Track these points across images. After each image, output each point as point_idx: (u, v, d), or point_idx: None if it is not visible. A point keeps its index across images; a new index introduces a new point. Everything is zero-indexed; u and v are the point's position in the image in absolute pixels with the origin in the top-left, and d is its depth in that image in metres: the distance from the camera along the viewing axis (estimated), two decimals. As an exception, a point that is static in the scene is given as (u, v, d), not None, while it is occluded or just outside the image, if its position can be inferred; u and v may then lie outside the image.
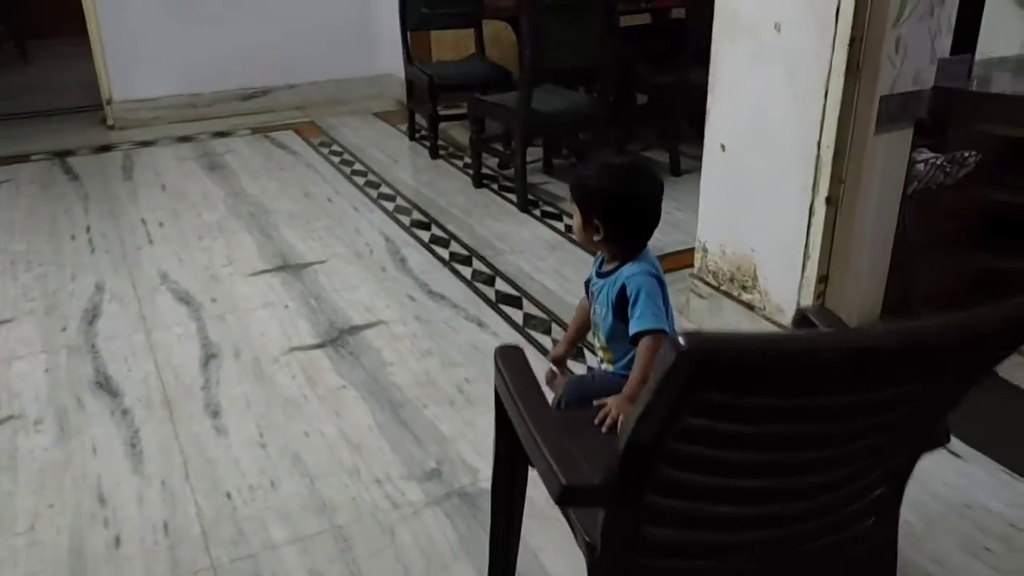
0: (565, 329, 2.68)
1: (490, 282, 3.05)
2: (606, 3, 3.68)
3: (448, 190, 4.02)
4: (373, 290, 2.99)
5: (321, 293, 2.98)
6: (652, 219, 1.59)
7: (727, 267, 2.56)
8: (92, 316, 2.84)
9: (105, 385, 2.43)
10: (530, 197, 3.81)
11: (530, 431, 1.20)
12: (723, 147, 2.49)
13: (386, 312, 2.83)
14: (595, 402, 1.55)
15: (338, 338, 2.67)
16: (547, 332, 2.69)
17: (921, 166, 2.40)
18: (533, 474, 1.29)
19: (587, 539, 1.20)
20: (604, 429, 1.48)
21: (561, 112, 3.84)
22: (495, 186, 4.06)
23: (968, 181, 2.52)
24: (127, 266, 3.22)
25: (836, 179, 2.19)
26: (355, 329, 2.72)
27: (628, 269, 1.59)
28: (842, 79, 2.08)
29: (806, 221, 2.26)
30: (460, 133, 4.72)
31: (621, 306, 1.59)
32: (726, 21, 2.40)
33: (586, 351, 1.85)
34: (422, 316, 2.80)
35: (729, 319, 2.58)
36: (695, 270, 2.72)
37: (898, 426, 1.04)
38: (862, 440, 1.02)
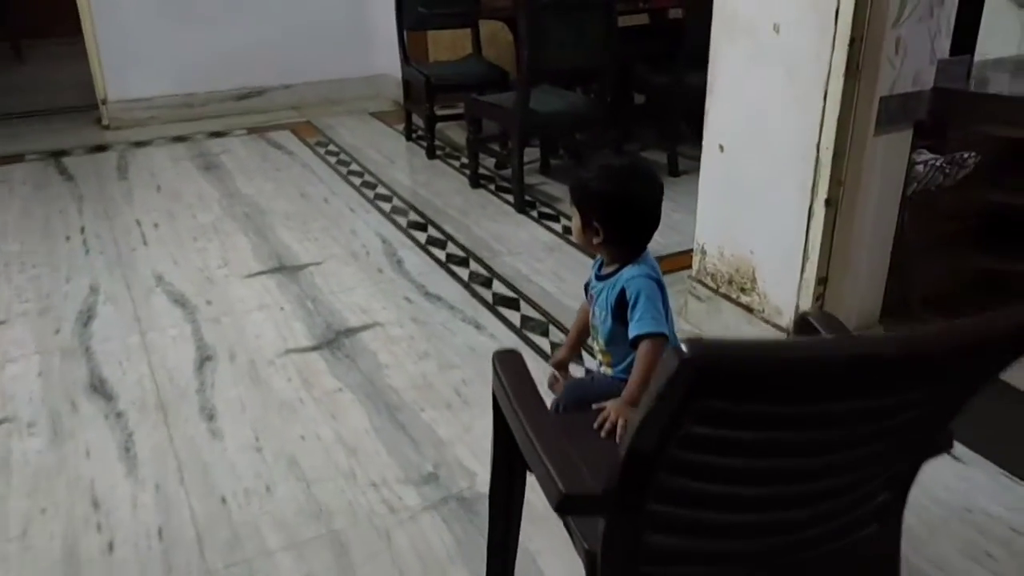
0: (563, 331, 2.67)
1: (487, 284, 3.03)
2: (604, 3, 3.67)
3: (445, 191, 4.00)
4: (369, 292, 2.98)
5: (317, 295, 2.96)
6: (652, 221, 1.57)
7: (726, 269, 2.55)
8: (86, 318, 2.82)
9: (99, 388, 2.41)
10: (527, 198, 3.80)
11: (529, 437, 1.18)
12: (722, 148, 2.48)
13: (382, 314, 2.81)
14: (594, 406, 1.54)
15: (334, 340, 2.65)
16: (545, 334, 2.67)
17: (920, 167, 2.39)
18: (532, 478, 1.28)
19: (586, 546, 1.18)
20: (603, 433, 1.47)
21: (558, 113, 3.83)
22: (492, 187, 4.04)
23: (967, 182, 2.51)
24: (122, 267, 3.20)
25: (835, 181, 2.17)
26: (351, 331, 2.70)
27: (628, 272, 1.57)
28: (842, 80, 2.07)
29: (805, 223, 2.24)
30: (457, 133, 4.70)
31: (620, 309, 1.58)
32: (725, 21, 2.39)
33: (585, 353, 1.84)
34: (419, 318, 2.79)
35: (728, 321, 2.56)
36: (693, 272, 2.70)
37: (901, 433, 1.02)
38: (864, 447, 1.01)
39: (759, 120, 2.32)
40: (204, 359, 2.55)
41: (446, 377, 2.44)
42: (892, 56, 2.11)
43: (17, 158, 4.56)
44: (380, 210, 3.76)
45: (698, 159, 2.64)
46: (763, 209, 2.38)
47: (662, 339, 1.54)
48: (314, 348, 2.60)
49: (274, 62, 5.38)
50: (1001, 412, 2.17)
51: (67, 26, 5.10)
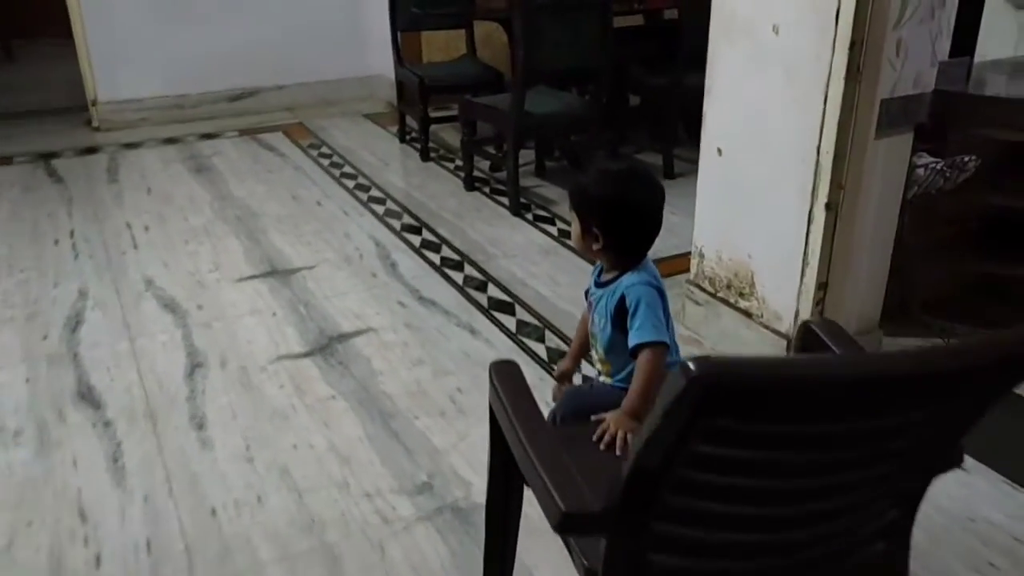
0: (559, 336, 2.64)
1: (482, 288, 3.00)
2: (600, 4, 3.63)
3: (439, 193, 3.96)
4: (363, 296, 2.94)
5: (310, 299, 2.92)
6: (653, 227, 1.54)
7: (724, 273, 2.52)
8: (75, 323, 2.77)
9: (87, 396, 2.37)
10: (522, 200, 3.76)
11: (527, 452, 1.15)
12: (720, 151, 2.45)
13: (376, 319, 2.77)
14: (593, 417, 1.50)
15: (327, 346, 2.61)
16: (540, 340, 2.64)
17: (921, 171, 2.36)
18: (529, 490, 1.25)
19: (586, 564, 1.15)
20: (603, 446, 1.44)
21: (554, 114, 3.79)
22: (487, 189, 4.01)
23: (967, 186, 2.49)
24: (111, 272, 3.15)
25: (836, 184, 2.14)
26: (344, 337, 2.66)
27: (627, 279, 1.54)
28: (842, 82, 2.04)
29: (805, 227, 2.21)
30: (451, 135, 4.66)
31: (620, 317, 1.55)
32: (723, 22, 2.36)
33: (584, 361, 1.81)
34: (413, 323, 2.75)
35: (726, 326, 2.53)
36: (691, 276, 2.67)
37: (912, 451, 0.99)
38: (874, 465, 0.98)
39: (758, 123, 2.29)
40: (194, 366, 2.50)
41: (440, 384, 2.40)
42: (893, 58, 2.08)
43: (6, 160, 4.50)
44: (374, 213, 3.72)
45: (694, 161, 2.61)
46: (762, 213, 2.34)
47: (662, 348, 1.51)
48: (307, 354, 2.56)
49: (267, 63, 5.33)
50: (1002, 419, 2.15)
51: (59, 26, 5.05)
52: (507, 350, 2.58)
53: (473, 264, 3.19)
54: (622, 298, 1.54)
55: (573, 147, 4.28)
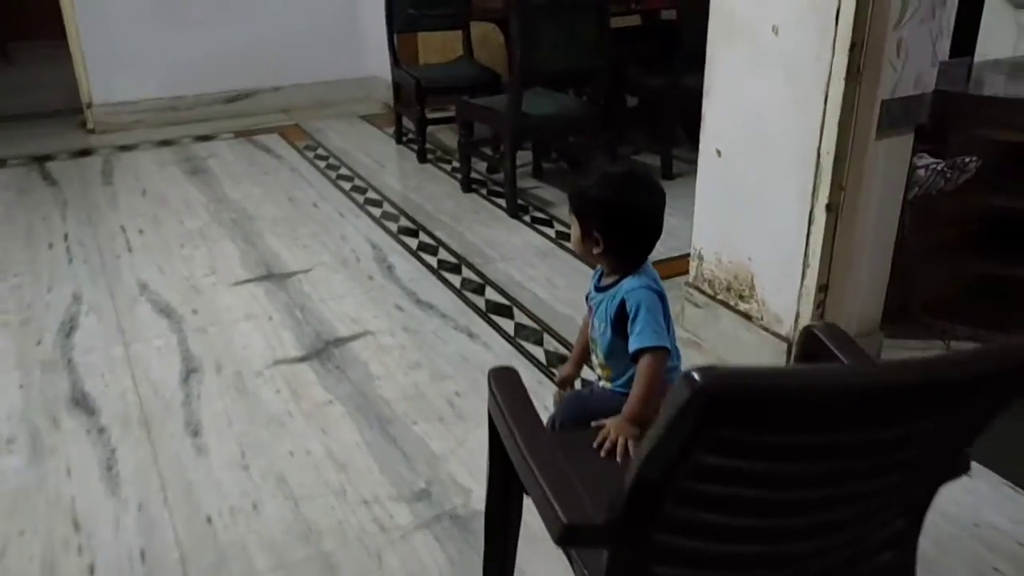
0: (557, 339, 2.62)
1: (480, 291, 2.97)
2: (597, 4, 3.61)
3: (436, 195, 3.94)
4: (360, 300, 2.91)
5: (306, 303, 2.89)
6: (654, 231, 1.52)
7: (723, 276, 2.50)
8: (69, 328, 2.75)
9: (81, 402, 2.34)
10: (520, 202, 3.74)
11: (527, 461, 1.12)
12: (719, 152, 2.43)
13: (373, 323, 2.75)
14: (593, 423, 1.48)
15: (324, 350, 2.58)
16: (539, 343, 2.61)
17: (922, 172, 2.35)
18: (529, 497, 1.23)
19: (587, 573, 1.13)
20: (603, 453, 1.41)
21: (551, 115, 3.77)
22: (484, 191, 3.98)
23: (968, 187, 2.47)
24: (105, 276, 3.12)
25: (836, 186, 2.12)
26: (341, 341, 2.64)
27: (628, 283, 1.52)
28: (843, 83, 2.02)
29: (805, 229, 2.19)
30: (448, 137, 4.64)
31: (620, 322, 1.52)
32: (722, 23, 2.34)
33: (585, 365, 1.79)
34: (410, 326, 2.72)
35: (726, 329, 2.51)
36: (690, 278, 2.65)
37: (918, 460, 0.97)
38: (881, 476, 0.95)
39: (758, 124, 2.27)
40: (190, 371, 2.48)
41: (438, 388, 2.38)
42: (893, 58, 2.06)
43: (0, 163, 4.47)
44: (370, 215, 3.70)
45: (692, 162, 2.59)
46: (762, 215, 2.32)
47: (663, 353, 1.49)
48: (303, 359, 2.54)
49: (262, 64, 5.31)
50: (1006, 423, 2.13)
51: (55, 28, 5.02)
52: (505, 353, 2.56)
53: (471, 267, 3.16)
54: (622, 303, 1.52)
55: (571, 148, 4.26)
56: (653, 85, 4.14)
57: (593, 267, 1.65)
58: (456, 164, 4.22)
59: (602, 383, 1.64)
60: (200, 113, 5.22)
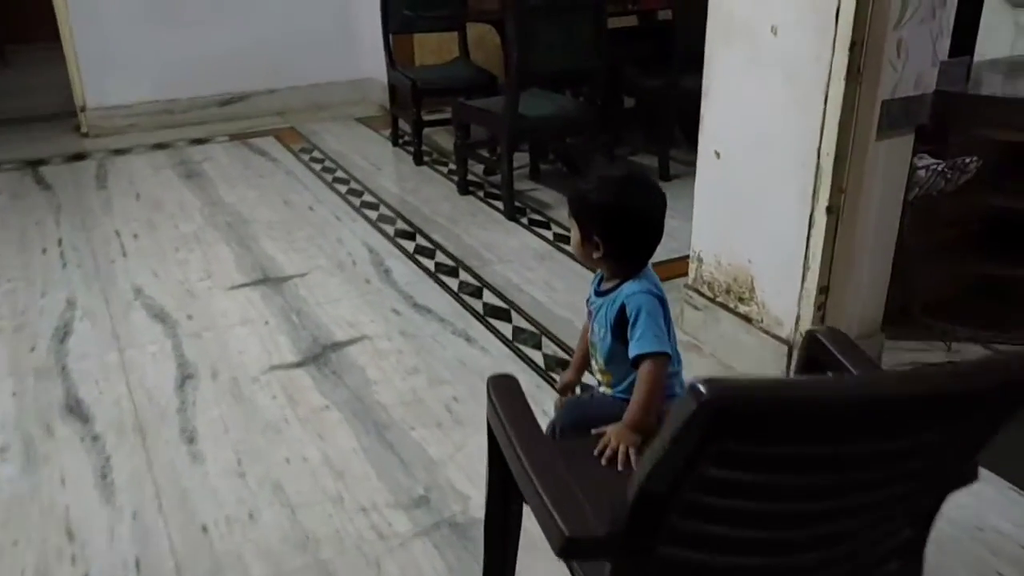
0: (556, 343, 2.60)
1: (477, 294, 2.95)
2: (594, 5, 3.59)
3: (433, 198, 3.92)
4: (356, 304, 2.89)
5: (302, 307, 2.87)
6: (655, 235, 1.50)
7: (723, 278, 2.48)
8: (63, 334, 2.72)
9: (75, 409, 2.32)
10: (517, 204, 3.72)
11: (526, 471, 1.11)
12: (718, 154, 2.41)
13: (370, 327, 2.73)
14: (594, 431, 1.46)
15: (320, 355, 2.56)
16: (537, 347, 2.59)
17: (922, 172, 2.33)
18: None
19: (589, 585, 1.11)
20: (604, 461, 1.40)
21: (548, 117, 3.75)
22: (481, 193, 3.96)
23: (968, 187, 2.45)
24: (100, 281, 3.09)
25: (837, 187, 2.11)
26: (338, 345, 2.61)
27: (628, 288, 1.50)
28: (843, 84, 2.00)
29: (806, 231, 2.18)
30: (444, 139, 4.62)
31: (620, 327, 1.51)
32: (720, 23, 2.32)
33: (587, 370, 1.78)
34: (407, 331, 2.70)
35: (725, 331, 2.49)
36: (689, 280, 2.64)
37: (925, 470, 0.95)
38: (887, 487, 0.94)
39: (757, 125, 2.25)
40: (185, 377, 2.45)
41: (436, 393, 2.36)
42: (894, 59, 2.04)
43: (-7, 167, 4.45)
44: (367, 218, 3.68)
45: (689, 163, 2.58)
46: (761, 217, 2.31)
47: (664, 358, 1.47)
48: (299, 364, 2.51)
49: (257, 67, 5.28)
50: (1011, 426, 2.11)
51: (49, 31, 4.99)
52: (503, 357, 2.54)
53: (468, 270, 3.14)
54: (622, 307, 1.50)
55: (568, 150, 4.24)
56: (650, 86, 4.12)
57: (593, 271, 1.63)
58: (453, 166, 4.19)
59: (602, 389, 1.62)
60: (195, 116, 5.19)
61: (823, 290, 2.21)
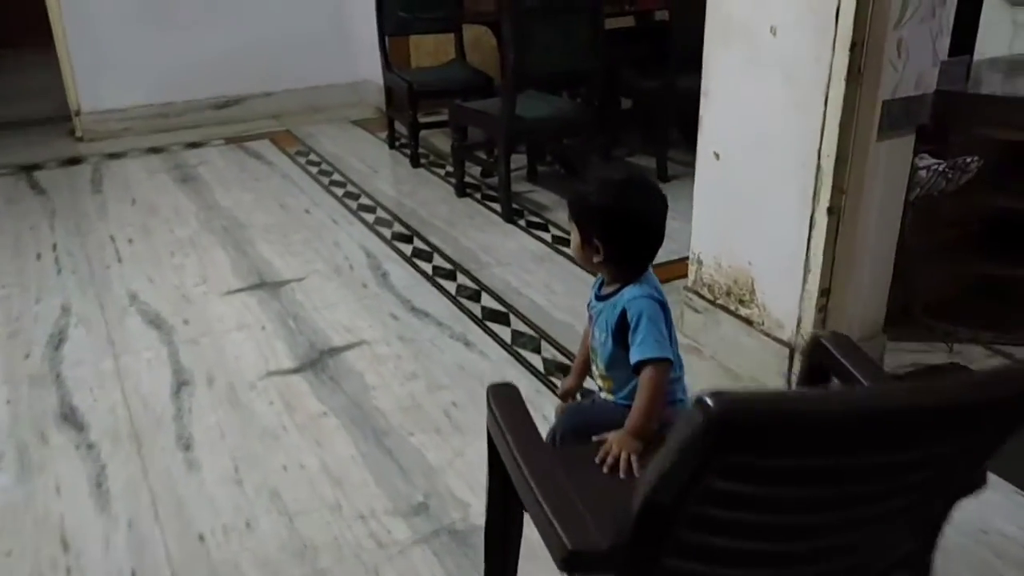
0: (555, 347, 2.58)
1: (476, 298, 2.93)
2: (591, 5, 3.58)
3: (430, 200, 3.90)
4: (354, 308, 2.87)
5: (299, 312, 2.85)
6: (656, 239, 1.48)
7: (723, 280, 2.46)
8: (58, 341, 2.70)
9: (70, 417, 2.29)
10: (515, 206, 3.70)
11: (527, 482, 1.09)
12: (717, 156, 2.39)
13: (368, 332, 2.70)
14: (595, 438, 1.44)
15: (318, 361, 2.54)
16: (536, 351, 2.57)
17: (923, 173, 2.31)
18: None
19: (592, 597, 1.09)
20: (606, 469, 1.37)
21: (545, 118, 3.73)
22: (478, 195, 3.94)
23: (970, 187, 2.44)
24: (95, 287, 3.07)
25: (838, 188, 2.09)
26: (335, 351, 2.59)
27: (629, 292, 1.48)
28: (843, 84, 1.98)
29: (807, 232, 2.16)
30: (441, 141, 4.60)
31: (621, 332, 1.48)
32: (718, 24, 2.30)
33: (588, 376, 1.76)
34: (405, 335, 2.68)
35: (726, 334, 2.48)
36: (689, 283, 2.62)
37: (934, 481, 0.94)
38: (897, 498, 0.92)
39: (757, 126, 2.23)
40: (181, 384, 2.43)
41: (435, 398, 2.34)
42: (894, 58, 2.03)
43: (-13, 172, 4.42)
44: (363, 221, 3.65)
45: (687, 164, 2.56)
46: (762, 219, 2.29)
47: (666, 364, 1.45)
48: (297, 370, 2.49)
49: (253, 70, 5.26)
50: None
51: (42, 35, 4.96)
52: (502, 362, 2.52)
53: (466, 273, 3.12)
54: (623, 312, 1.48)
55: (565, 151, 4.22)
56: (647, 87, 4.10)
57: (593, 275, 1.61)
58: (450, 168, 4.17)
59: (603, 395, 1.60)
60: (190, 119, 5.17)
61: (824, 292, 2.19)
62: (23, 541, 1.85)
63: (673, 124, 4.17)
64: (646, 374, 1.44)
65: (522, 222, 3.61)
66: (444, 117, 4.22)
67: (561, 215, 3.61)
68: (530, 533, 1.39)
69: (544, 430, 1.48)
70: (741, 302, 2.42)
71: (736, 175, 2.35)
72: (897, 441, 0.80)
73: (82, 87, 4.89)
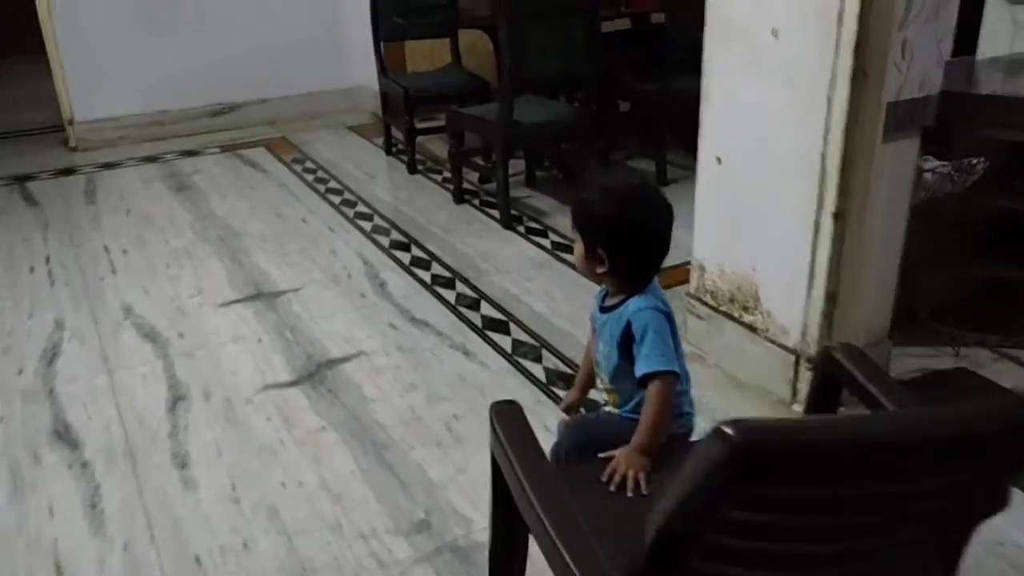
0: (556, 356, 2.54)
1: (475, 306, 2.89)
2: (587, 9, 3.54)
3: (428, 207, 3.86)
4: (352, 319, 2.82)
5: (296, 323, 2.80)
6: (661, 249, 1.44)
7: (726, 287, 2.43)
8: (51, 356, 2.65)
9: (64, 435, 2.25)
10: (513, 212, 3.66)
11: (534, 509, 1.04)
12: (719, 160, 2.35)
13: (366, 343, 2.66)
14: (601, 455, 1.40)
15: (316, 373, 2.50)
16: (537, 360, 2.53)
17: (929, 175, 2.28)
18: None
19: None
20: (613, 487, 1.34)
21: (543, 123, 3.69)
22: (476, 202, 3.90)
23: (975, 189, 2.40)
24: (89, 300, 3.02)
25: (843, 192, 2.05)
26: (333, 363, 2.55)
27: (634, 304, 1.44)
28: (848, 87, 1.95)
29: (811, 237, 2.12)
30: (438, 146, 4.56)
31: (626, 344, 1.45)
32: (718, 27, 2.27)
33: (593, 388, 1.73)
34: (405, 346, 2.64)
35: (730, 341, 2.44)
36: (692, 289, 2.58)
37: (956, 506, 0.90)
38: (918, 525, 0.88)
39: (758, 130, 2.20)
40: (176, 399, 2.39)
41: (436, 410, 2.29)
42: (898, 60, 1.99)
43: (-20, 184, 4.37)
44: (361, 229, 3.61)
45: (686, 167, 2.52)
46: (765, 224, 2.25)
47: (672, 378, 1.42)
48: (294, 383, 2.45)
49: (248, 77, 5.21)
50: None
51: (35, 43, 4.91)
52: (503, 371, 2.48)
53: (465, 281, 3.08)
54: (628, 324, 1.44)
55: (564, 156, 4.18)
56: (644, 90, 4.06)
57: (597, 283, 1.57)
58: (447, 174, 4.13)
59: (608, 408, 1.56)
60: (185, 128, 5.13)
61: (831, 297, 2.16)
62: (15, 565, 1.81)
63: (670, 127, 4.13)
64: (653, 388, 1.40)
65: (521, 228, 3.57)
66: (441, 123, 4.17)
67: (560, 220, 3.57)
68: (534, 554, 1.35)
69: (546, 441, 1.44)
70: (745, 308, 2.38)
71: (738, 180, 2.31)
72: (924, 469, 0.77)
73: (75, 96, 4.84)
